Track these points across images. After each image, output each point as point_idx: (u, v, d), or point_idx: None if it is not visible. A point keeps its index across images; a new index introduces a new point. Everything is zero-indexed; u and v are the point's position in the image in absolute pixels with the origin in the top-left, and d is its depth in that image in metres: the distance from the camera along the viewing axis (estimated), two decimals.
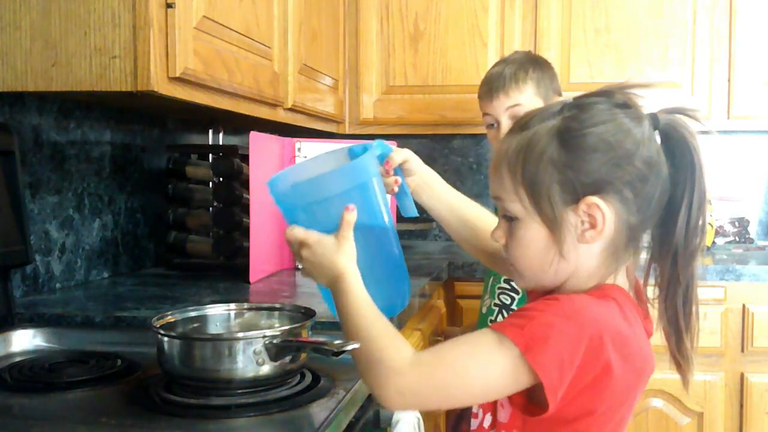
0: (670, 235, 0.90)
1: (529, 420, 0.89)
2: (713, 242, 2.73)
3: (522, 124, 0.93)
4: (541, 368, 0.82)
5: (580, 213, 0.88)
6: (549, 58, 2.63)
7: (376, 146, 1.12)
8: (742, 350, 2.33)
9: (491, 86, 1.84)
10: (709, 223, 2.66)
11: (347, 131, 2.69)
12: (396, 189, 1.14)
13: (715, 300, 2.34)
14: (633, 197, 0.88)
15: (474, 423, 0.99)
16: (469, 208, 1.22)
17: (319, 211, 1.03)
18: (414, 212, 1.20)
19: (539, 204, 0.89)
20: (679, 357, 0.94)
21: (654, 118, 0.91)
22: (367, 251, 1.04)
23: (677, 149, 0.90)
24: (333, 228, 1.00)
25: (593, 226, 0.88)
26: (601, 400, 0.87)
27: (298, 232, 1.00)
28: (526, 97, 1.80)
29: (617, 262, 0.92)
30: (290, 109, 2.00)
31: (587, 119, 0.88)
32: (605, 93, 0.91)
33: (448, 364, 0.87)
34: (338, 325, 1.31)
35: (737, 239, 2.85)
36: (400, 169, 1.15)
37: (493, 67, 1.90)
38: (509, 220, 0.93)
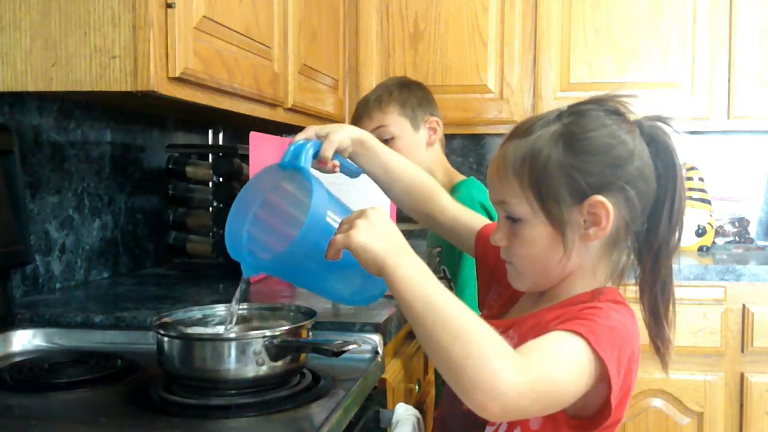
0: (654, 232, 0.96)
1: (562, 429, 0.90)
2: (713, 242, 2.73)
3: (522, 130, 0.97)
4: (612, 373, 0.84)
5: (584, 212, 0.92)
6: (549, 58, 2.66)
7: (307, 158, 1.10)
8: (742, 350, 2.33)
9: (357, 112, 1.87)
10: (709, 223, 2.66)
11: None
12: (337, 170, 1.18)
13: (715, 300, 2.34)
14: (635, 194, 0.93)
15: (489, 429, 0.97)
16: (406, 169, 1.23)
17: (297, 270, 1.04)
18: (358, 172, 1.23)
19: (546, 205, 0.93)
20: (659, 342, 0.98)
21: (640, 124, 0.97)
22: (333, 270, 1.03)
23: (660, 153, 0.96)
24: (310, 277, 1.03)
25: (596, 223, 0.92)
26: (623, 410, 0.90)
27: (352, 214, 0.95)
28: (390, 118, 1.81)
29: (614, 260, 0.96)
30: (290, 109, 2.00)
31: (586, 124, 0.94)
32: (597, 101, 0.98)
33: (551, 369, 0.82)
34: (338, 326, 1.31)
35: (737, 239, 2.85)
36: (337, 153, 1.18)
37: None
38: (512, 222, 0.96)
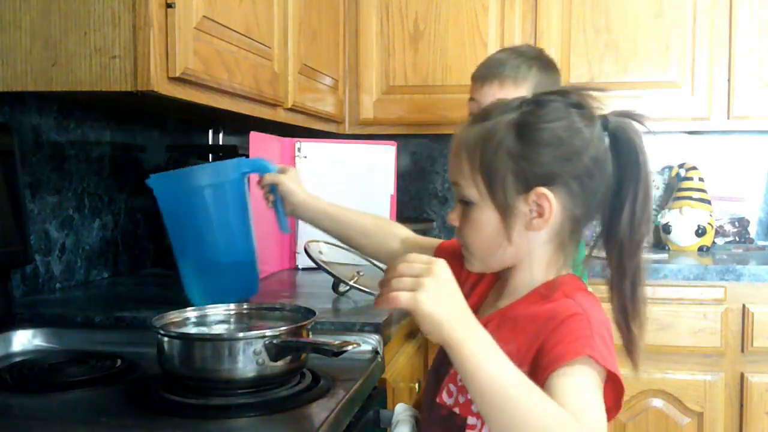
0: (615, 229, 0.95)
1: None
2: (713, 242, 2.73)
3: (482, 115, 0.99)
4: (617, 373, 0.87)
5: (530, 202, 0.94)
6: None
7: (250, 164, 1.42)
8: (742, 350, 2.33)
9: (488, 71, 1.68)
10: (709, 223, 2.66)
11: (347, 131, 2.69)
12: (269, 204, 1.36)
13: (715, 300, 2.34)
14: (580, 191, 0.94)
15: None
16: (350, 215, 1.34)
17: (184, 200, 1.33)
18: (285, 230, 1.41)
19: (493, 191, 0.94)
20: (628, 342, 0.97)
21: (604, 119, 0.96)
22: (210, 245, 1.34)
23: (624, 149, 0.95)
24: (196, 217, 1.33)
25: (540, 214, 0.94)
26: (609, 396, 0.91)
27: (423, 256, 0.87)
28: (518, 95, 1.67)
29: (564, 252, 0.98)
30: (290, 109, 2.00)
31: (543, 115, 0.95)
32: (562, 92, 0.98)
33: (595, 410, 0.85)
34: (338, 326, 1.31)
35: (737, 239, 2.85)
36: (276, 188, 1.35)
37: (499, 51, 1.76)
38: (465, 204, 0.98)
